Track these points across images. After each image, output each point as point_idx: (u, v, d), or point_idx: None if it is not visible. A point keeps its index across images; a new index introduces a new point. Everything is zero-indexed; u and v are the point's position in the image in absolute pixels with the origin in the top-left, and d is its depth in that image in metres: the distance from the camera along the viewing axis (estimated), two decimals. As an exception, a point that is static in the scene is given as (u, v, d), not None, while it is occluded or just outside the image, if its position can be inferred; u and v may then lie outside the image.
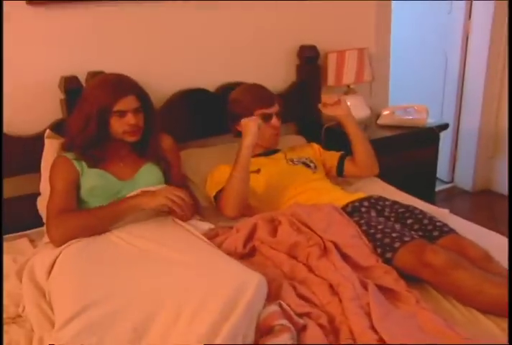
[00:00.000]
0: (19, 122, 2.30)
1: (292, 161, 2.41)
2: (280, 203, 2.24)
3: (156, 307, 1.50)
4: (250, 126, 2.16)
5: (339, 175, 2.53)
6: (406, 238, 1.76)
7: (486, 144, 3.75)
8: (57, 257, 1.82)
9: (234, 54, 2.74)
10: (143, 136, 2.11)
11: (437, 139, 2.97)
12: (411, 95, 3.66)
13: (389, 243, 1.76)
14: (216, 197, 2.26)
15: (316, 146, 2.62)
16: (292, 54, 2.87)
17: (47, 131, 2.24)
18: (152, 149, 2.16)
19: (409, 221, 1.99)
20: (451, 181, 4.04)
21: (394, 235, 1.78)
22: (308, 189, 2.26)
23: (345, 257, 1.74)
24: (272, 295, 1.61)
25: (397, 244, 1.75)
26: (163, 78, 2.56)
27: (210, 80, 2.67)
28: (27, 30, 2.26)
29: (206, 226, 2.09)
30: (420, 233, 1.90)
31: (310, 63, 2.85)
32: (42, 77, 2.33)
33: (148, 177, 2.13)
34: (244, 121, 2.20)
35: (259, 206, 2.25)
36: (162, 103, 2.55)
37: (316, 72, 2.88)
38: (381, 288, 1.62)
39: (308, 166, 2.41)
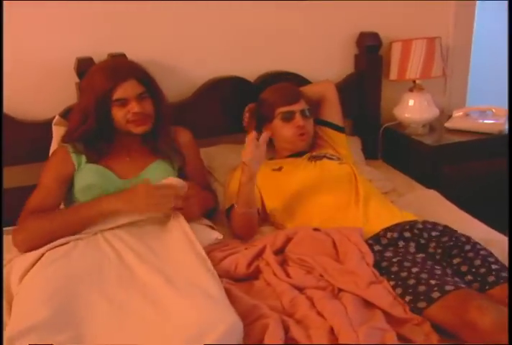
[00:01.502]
0: (31, 107, 2.13)
1: (314, 157, 2.10)
2: (305, 205, 1.92)
3: None
4: (246, 149, 1.83)
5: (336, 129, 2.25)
6: (448, 287, 1.37)
7: None
8: (37, 261, 1.62)
9: (280, 39, 2.41)
10: (154, 126, 1.86)
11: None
12: (490, 95, 3.15)
13: (425, 291, 1.39)
14: (228, 210, 1.97)
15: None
16: (350, 42, 2.52)
17: (56, 117, 2.04)
18: (162, 142, 1.91)
19: (456, 261, 1.58)
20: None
21: (433, 282, 1.40)
22: (335, 193, 1.92)
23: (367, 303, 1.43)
24: (257, 336, 1.32)
25: (435, 295, 1.37)
26: (194, 64, 2.30)
27: (249, 68, 2.37)
28: (42, 7, 2.06)
29: (213, 236, 1.81)
30: (469, 278, 1.51)
31: (370, 53, 2.49)
32: (57, 58, 2.12)
33: (156, 175, 1.85)
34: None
35: (283, 208, 1.97)
36: (192, 92, 2.29)
37: (376, 63, 2.51)
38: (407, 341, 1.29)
39: (330, 158, 2.09)
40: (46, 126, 2.06)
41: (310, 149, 2.18)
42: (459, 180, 2.42)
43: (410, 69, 2.42)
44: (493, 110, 2.51)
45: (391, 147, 2.60)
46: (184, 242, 1.68)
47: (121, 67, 1.78)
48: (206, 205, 1.95)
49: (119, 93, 1.74)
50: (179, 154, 1.96)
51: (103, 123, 1.78)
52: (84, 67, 2.01)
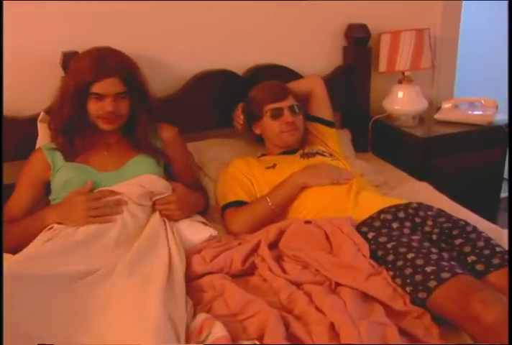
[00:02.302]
0: (16, 102, 2.06)
1: (306, 155, 2.09)
2: (298, 203, 1.90)
3: None
4: (322, 177, 1.90)
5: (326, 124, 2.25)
6: (444, 275, 1.35)
7: None
8: None
9: (269, 32, 2.38)
10: (127, 125, 1.85)
11: (505, 140, 2.50)
12: (477, 86, 3.14)
13: (422, 281, 1.38)
14: (226, 207, 1.94)
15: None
16: (338, 34, 2.49)
17: (42, 113, 1.98)
18: (141, 140, 1.88)
19: (458, 242, 1.57)
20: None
21: (428, 270, 1.38)
22: (333, 190, 1.89)
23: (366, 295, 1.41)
24: (255, 332, 1.31)
25: (432, 284, 1.35)
26: (183, 57, 2.25)
27: (238, 61, 2.33)
28: (25, 2, 1.99)
29: (207, 232, 1.78)
30: (473, 258, 1.50)
31: (359, 45, 2.46)
32: (42, 52, 2.07)
33: (138, 169, 1.83)
34: (324, 168, 1.95)
35: None
36: (181, 85, 2.25)
37: (365, 55, 2.49)
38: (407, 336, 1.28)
39: (323, 155, 2.09)
40: (31, 122, 2.00)
41: (301, 145, 2.16)
42: (449, 171, 2.42)
43: (400, 61, 2.40)
44: (482, 101, 2.51)
45: (381, 140, 2.58)
46: (161, 249, 1.63)
47: (108, 62, 1.73)
48: (196, 207, 1.92)
49: (97, 88, 1.72)
50: (162, 151, 1.93)
51: (78, 112, 1.76)
52: (70, 61, 1.96)
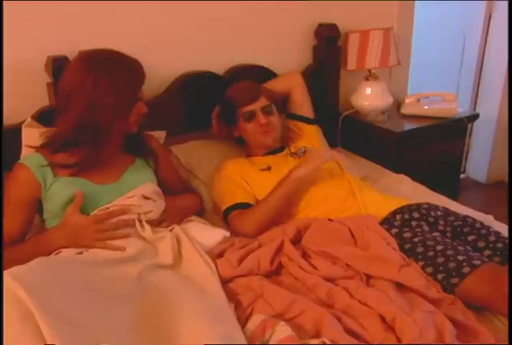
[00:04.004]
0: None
1: (295, 154, 2.11)
2: (298, 205, 1.94)
3: None
4: (314, 161, 1.90)
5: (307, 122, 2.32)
6: (476, 262, 1.46)
7: (503, 135, 3.46)
8: None
9: (244, 33, 2.41)
10: None
11: (465, 131, 2.69)
12: (423, 80, 3.35)
13: (455, 267, 1.46)
14: (229, 210, 1.93)
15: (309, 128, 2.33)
16: (309, 33, 2.55)
17: (28, 119, 1.89)
18: (144, 142, 1.86)
19: (471, 238, 1.68)
20: (464, 172, 3.78)
21: (460, 258, 1.48)
22: (330, 188, 1.96)
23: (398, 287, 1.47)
24: (312, 329, 1.33)
25: (466, 269, 1.44)
26: (165, 60, 2.23)
27: (217, 62, 2.34)
28: (7, 4, 1.89)
29: (220, 234, 1.79)
30: (488, 253, 1.61)
31: (329, 44, 2.54)
32: (26, 57, 1.98)
33: (137, 177, 1.78)
34: (313, 152, 1.95)
35: None
36: (164, 88, 2.23)
37: (335, 54, 2.57)
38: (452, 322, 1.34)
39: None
40: (14, 131, 1.90)
41: (284, 143, 2.19)
42: (417, 161, 2.57)
43: (369, 59, 2.51)
44: (443, 95, 2.67)
45: (350, 135, 2.68)
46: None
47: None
48: (189, 209, 1.92)
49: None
50: (152, 155, 1.89)
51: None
52: (58, 65, 1.88)
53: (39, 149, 1.71)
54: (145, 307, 1.37)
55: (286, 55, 2.54)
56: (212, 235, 1.78)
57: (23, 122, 1.90)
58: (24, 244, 1.64)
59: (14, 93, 1.96)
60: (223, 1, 2.28)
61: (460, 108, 2.68)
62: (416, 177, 2.29)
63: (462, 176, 3.71)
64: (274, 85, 2.24)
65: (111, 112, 1.61)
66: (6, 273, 1.27)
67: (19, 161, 1.71)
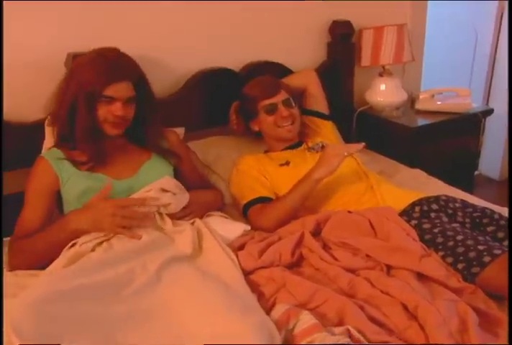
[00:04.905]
0: (19, 107, 1.99)
1: (313, 149, 2.13)
2: (317, 200, 1.95)
3: None
4: (332, 160, 1.84)
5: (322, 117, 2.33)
6: (496, 251, 1.47)
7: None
8: None
9: (259, 30, 2.43)
10: (137, 128, 1.81)
11: (479, 127, 2.70)
12: (436, 76, 3.36)
13: (476, 257, 1.48)
14: (248, 205, 1.95)
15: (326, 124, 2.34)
16: (323, 30, 2.57)
17: (49, 117, 1.90)
18: (153, 141, 1.87)
19: (490, 228, 1.69)
20: (476, 169, 3.77)
21: (480, 248, 1.49)
22: (348, 183, 1.97)
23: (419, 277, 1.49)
24: (335, 318, 1.35)
25: (486, 258, 1.46)
26: (182, 57, 2.25)
27: (234, 59, 2.36)
28: (27, 3, 1.92)
29: (241, 228, 1.81)
30: (508, 243, 1.62)
31: (343, 41, 2.56)
32: (46, 54, 2.00)
33: (153, 173, 1.80)
34: (329, 151, 1.88)
35: None
36: (181, 85, 2.25)
37: (349, 50, 2.59)
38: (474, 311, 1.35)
39: None
40: (35, 128, 1.94)
41: (301, 138, 2.21)
42: (432, 157, 2.58)
43: (383, 55, 2.52)
44: (457, 91, 2.68)
45: (365, 130, 2.69)
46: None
47: (122, 66, 1.69)
48: (210, 205, 1.93)
49: (110, 91, 1.65)
50: (173, 153, 1.92)
51: (86, 116, 1.67)
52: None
53: (58, 145, 1.79)
54: (165, 300, 1.39)
55: (301, 52, 2.56)
56: (233, 229, 1.80)
57: (43, 119, 1.93)
58: (42, 232, 1.65)
59: (35, 90, 1.97)
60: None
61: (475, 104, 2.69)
62: (430, 173, 2.30)
63: (475, 173, 3.72)
64: (290, 82, 2.26)
65: (66, 108, 1.68)
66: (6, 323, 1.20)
67: (40, 154, 1.79)
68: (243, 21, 2.38)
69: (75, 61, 1.84)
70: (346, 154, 1.85)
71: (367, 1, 2.61)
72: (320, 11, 2.52)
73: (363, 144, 1.85)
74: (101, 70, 1.66)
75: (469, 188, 2.76)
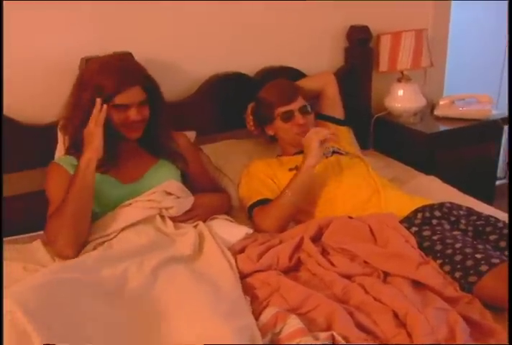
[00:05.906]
0: (34, 109, 2.06)
1: (324, 154, 2.08)
2: (321, 205, 1.96)
3: None
4: (311, 146, 1.87)
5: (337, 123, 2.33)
6: (494, 260, 1.44)
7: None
8: None
9: (275, 34, 2.44)
10: (147, 131, 1.83)
11: (500, 133, 2.64)
12: (463, 83, 3.29)
13: (473, 266, 1.45)
14: (252, 207, 1.96)
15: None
16: (340, 35, 2.57)
17: (61, 121, 1.94)
18: (163, 144, 1.89)
19: (492, 237, 1.65)
20: (505, 177, 3.68)
21: (478, 256, 1.47)
22: (354, 188, 1.96)
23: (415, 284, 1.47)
24: (324, 323, 1.34)
25: (484, 268, 1.43)
26: (197, 61, 2.29)
27: (249, 63, 2.38)
28: (43, 7, 1.99)
29: (243, 231, 1.82)
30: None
31: (360, 46, 2.55)
32: (60, 58, 2.06)
33: (159, 176, 1.83)
34: (304, 141, 1.92)
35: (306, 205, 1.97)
36: (195, 89, 2.28)
37: (367, 56, 2.57)
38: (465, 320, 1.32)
39: (339, 153, 2.13)
40: (49, 129, 1.99)
41: None
42: (451, 164, 2.53)
43: (401, 60, 2.50)
44: (477, 97, 2.63)
45: (382, 136, 2.67)
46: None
47: (129, 72, 1.72)
48: (217, 208, 1.94)
49: (122, 99, 1.69)
50: (181, 156, 1.94)
51: (106, 124, 1.70)
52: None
53: (70, 153, 1.83)
54: (158, 299, 1.41)
55: (317, 57, 2.56)
56: (235, 232, 1.81)
57: (56, 121, 1.98)
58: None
59: (49, 93, 2.04)
60: (255, 1, 2.32)
61: (500, 111, 2.64)
62: (449, 181, 2.25)
63: (504, 181, 3.63)
64: (306, 84, 2.25)
65: (80, 114, 1.72)
66: (6, 295, 1.24)
67: (53, 160, 1.85)
68: (259, 26, 2.39)
69: (85, 69, 1.89)
70: (319, 135, 1.89)
71: (386, 4, 2.58)
72: (337, 16, 2.52)
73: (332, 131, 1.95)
74: (111, 78, 1.69)
75: (490, 197, 2.71)
